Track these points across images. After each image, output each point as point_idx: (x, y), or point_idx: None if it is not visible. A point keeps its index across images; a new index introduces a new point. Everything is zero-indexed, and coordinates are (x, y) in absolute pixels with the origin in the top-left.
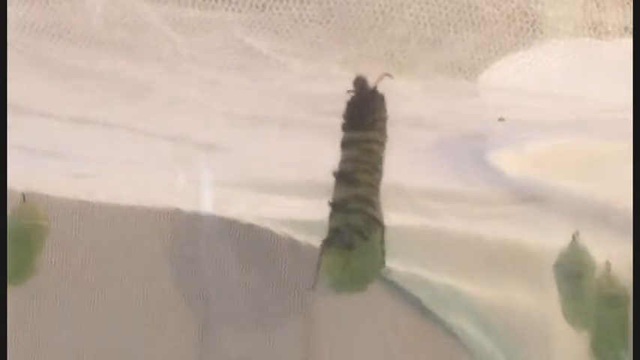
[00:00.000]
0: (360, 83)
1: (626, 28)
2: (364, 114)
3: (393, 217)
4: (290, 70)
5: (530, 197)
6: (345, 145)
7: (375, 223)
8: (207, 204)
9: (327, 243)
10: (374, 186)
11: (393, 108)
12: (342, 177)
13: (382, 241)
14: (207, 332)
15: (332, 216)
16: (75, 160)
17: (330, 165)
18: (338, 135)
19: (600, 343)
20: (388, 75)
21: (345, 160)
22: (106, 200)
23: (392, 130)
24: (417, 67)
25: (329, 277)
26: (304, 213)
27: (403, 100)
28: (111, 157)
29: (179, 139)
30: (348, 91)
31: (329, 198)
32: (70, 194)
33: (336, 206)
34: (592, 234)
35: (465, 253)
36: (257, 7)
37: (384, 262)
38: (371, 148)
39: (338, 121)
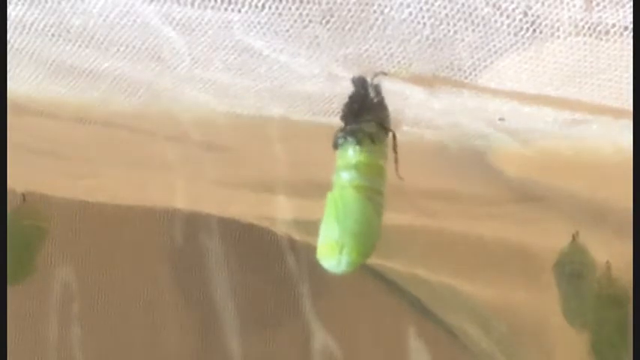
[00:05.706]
0: (359, 82)
1: (626, 28)
2: (362, 112)
3: (393, 217)
4: (290, 70)
5: (530, 197)
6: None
7: (387, 129)
8: (208, 204)
9: (339, 140)
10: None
11: (393, 108)
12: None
13: (395, 146)
14: (208, 332)
15: (345, 125)
16: (75, 160)
17: (330, 165)
18: None
19: (600, 343)
20: (383, 73)
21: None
22: (106, 200)
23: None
24: (417, 67)
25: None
26: (304, 213)
27: (403, 100)
28: (111, 157)
29: (179, 139)
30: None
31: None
32: (70, 194)
33: (347, 117)
34: (592, 234)
35: (465, 253)
36: (257, 7)
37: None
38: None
39: (338, 121)
